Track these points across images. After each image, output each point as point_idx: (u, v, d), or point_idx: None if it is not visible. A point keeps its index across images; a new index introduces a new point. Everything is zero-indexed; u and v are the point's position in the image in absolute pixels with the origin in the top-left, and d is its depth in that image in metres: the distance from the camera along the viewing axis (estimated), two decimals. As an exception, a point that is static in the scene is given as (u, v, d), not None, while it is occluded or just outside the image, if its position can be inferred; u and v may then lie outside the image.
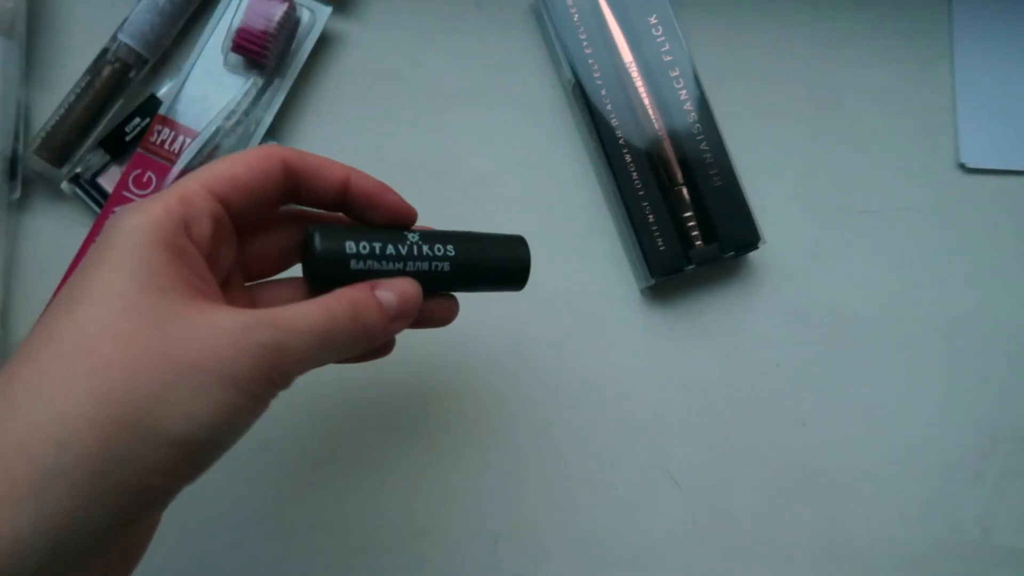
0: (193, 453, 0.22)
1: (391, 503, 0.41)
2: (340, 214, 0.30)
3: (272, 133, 0.42)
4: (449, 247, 0.29)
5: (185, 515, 0.39)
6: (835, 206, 0.45)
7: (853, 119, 0.46)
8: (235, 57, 0.41)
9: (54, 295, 0.39)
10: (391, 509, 0.41)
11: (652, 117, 0.42)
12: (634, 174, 0.42)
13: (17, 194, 0.39)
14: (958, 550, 0.43)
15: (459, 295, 0.32)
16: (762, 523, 0.43)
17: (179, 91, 0.41)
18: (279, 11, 0.40)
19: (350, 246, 0.27)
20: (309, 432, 0.41)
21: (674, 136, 0.42)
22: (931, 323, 0.45)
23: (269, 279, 0.30)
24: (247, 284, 0.30)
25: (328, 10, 0.42)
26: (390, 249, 0.28)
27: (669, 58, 0.43)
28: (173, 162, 0.40)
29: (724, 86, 0.45)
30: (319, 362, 0.25)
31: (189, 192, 0.24)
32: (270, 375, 0.23)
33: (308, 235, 0.27)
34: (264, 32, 0.40)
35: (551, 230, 0.44)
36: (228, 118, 0.41)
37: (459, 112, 0.44)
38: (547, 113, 0.45)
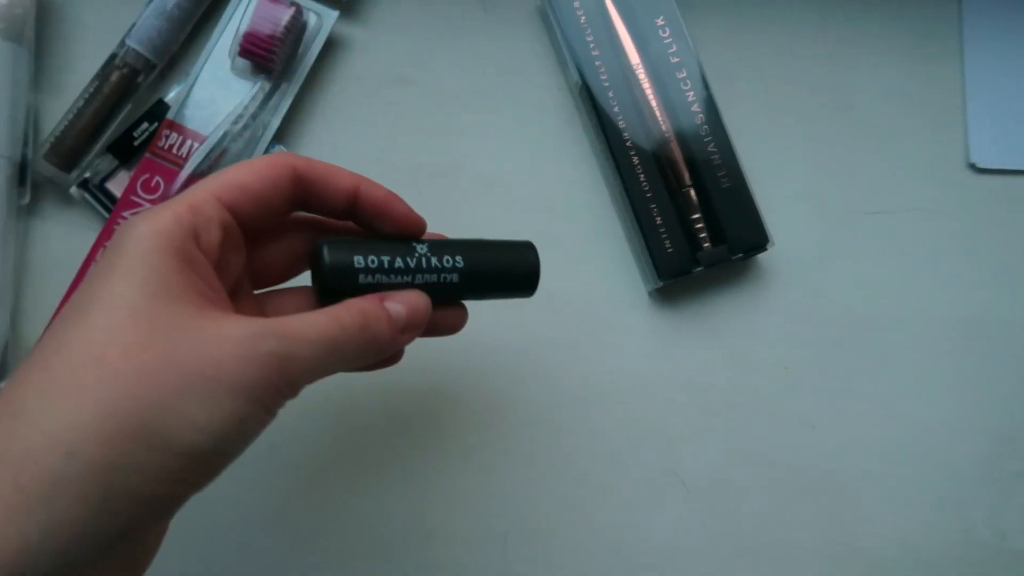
0: (201, 462, 0.22)
1: (400, 505, 0.41)
2: (349, 222, 0.30)
3: (279, 137, 0.42)
4: (458, 258, 0.29)
5: (195, 519, 0.39)
6: (844, 207, 0.45)
7: (862, 119, 0.46)
8: (242, 62, 0.41)
9: (63, 300, 0.40)
10: (400, 511, 0.41)
11: (659, 119, 0.42)
12: (641, 176, 0.42)
13: (26, 199, 0.40)
14: (970, 553, 0.43)
15: (468, 303, 0.32)
16: (771, 526, 0.43)
17: (187, 96, 0.41)
18: (286, 15, 0.40)
19: (358, 260, 0.27)
20: (318, 435, 0.41)
21: (681, 137, 0.42)
22: (941, 324, 0.45)
23: (278, 287, 0.31)
24: (256, 292, 0.30)
25: (335, 14, 0.42)
26: (399, 262, 0.28)
27: (676, 59, 0.43)
28: (181, 166, 0.40)
29: (732, 87, 0.44)
30: (327, 372, 0.25)
31: (198, 200, 0.24)
32: (278, 384, 0.23)
33: (317, 248, 0.27)
34: (271, 36, 0.40)
35: (558, 232, 0.44)
36: (236, 122, 0.41)
37: (466, 115, 0.44)
38: (554, 115, 0.45)
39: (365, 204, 0.28)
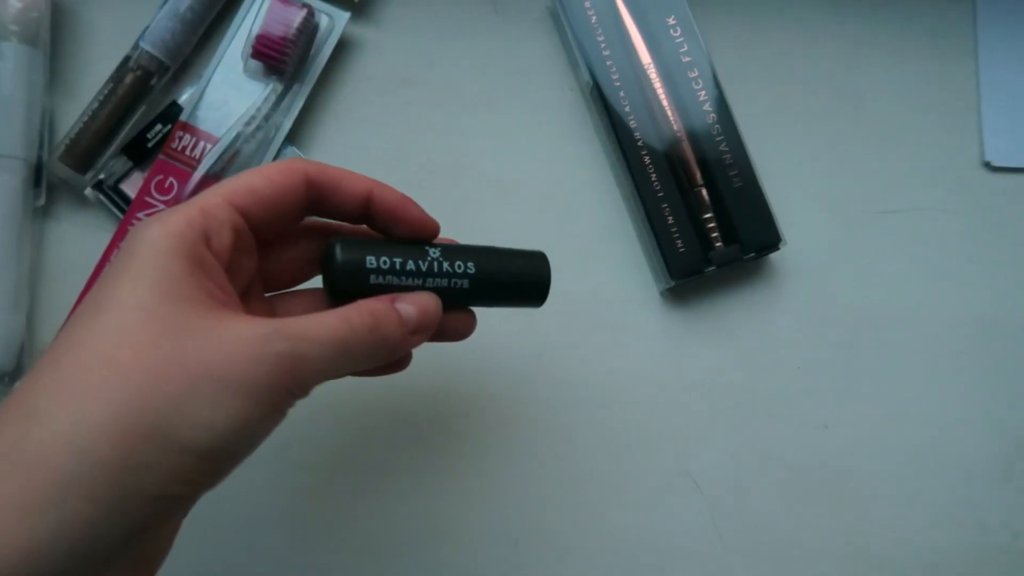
0: (211, 462, 0.22)
1: (412, 507, 0.41)
2: (363, 226, 0.30)
3: (291, 138, 0.42)
4: (469, 264, 0.29)
5: (206, 519, 0.40)
6: (857, 206, 0.45)
7: (875, 118, 0.46)
8: (255, 63, 0.41)
9: (78, 301, 0.40)
10: (412, 513, 0.41)
11: (671, 118, 0.42)
12: (653, 175, 0.42)
13: (42, 201, 0.40)
14: (985, 554, 0.43)
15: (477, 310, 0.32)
16: (784, 527, 0.42)
17: (200, 97, 0.41)
18: (298, 17, 0.40)
19: (371, 261, 0.27)
20: (330, 436, 0.42)
21: (693, 137, 0.42)
22: (956, 324, 0.44)
23: (289, 290, 0.31)
24: (267, 295, 0.30)
25: (346, 15, 0.42)
26: (410, 265, 0.28)
27: (688, 59, 0.42)
28: (194, 168, 0.40)
29: (743, 86, 0.44)
30: (337, 373, 0.25)
31: (210, 204, 0.25)
32: (287, 385, 0.23)
33: (329, 248, 0.27)
34: (283, 38, 0.40)
35: (569, 232, 0.44)
36: (248, 124, 0.41)
37: (477, 115, 0.44)
38: (565, 115, 0.45)
39: (379, 208, 0.28)
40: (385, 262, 0.27)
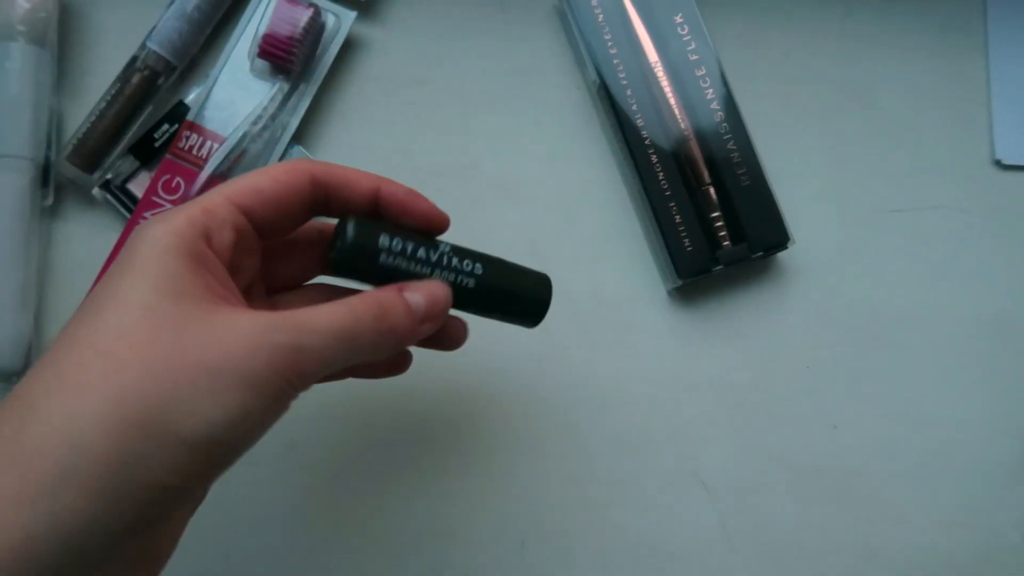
0: (209, 453, 0.22)
1: (417, 507, 0.41)
2: None
3: (298, 138, 0.42)
4: (477, 265, 0.29)
5: (213, 518, 0.40)
6: (866, 205, 0.45)
7: (885, 116, 0.45)
8: (261, 63, 0.41)
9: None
10: (417, 513, 0.41)
11: (678, 117, 0.42)
12: (660, 174, 0.42)
13: (50, 200, 0.40)
14: (997, 556, 0.42)
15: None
16: (792, 527, 0.42)
17: (207, 97, 0.41)
18: (304, 17, 0.40)
19: (383, 240, 0.27)
20: (336, 436, 0.42)
21: (701, 136, 0.42)
22: (966, 323, 0.44)
23: (292, 291, 0.31)
24: (270, 296, 0.30)
25: (352, 15, 0.42)
26: (421, 252, 0.28)
27: (695, 57, 0.42)
28: (201, 167, 0.41)
29: (751, 84, 0.44)
30: (341, 363, 0.24)
31: (212, 203, 0.25)
32: (287, 375, 0.22)
33: (341, 222, 0.27)
34: (290, 38, 0.40)
35: (576, 232, 0.44)
36: (255, 123, 0.41)
37: (484, 114, 0.44)
38: (572, 114, 0.45)
39: (387, 204, 0.28)
40: (397, 244, 0.27)
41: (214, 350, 0.22)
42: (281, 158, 0.42)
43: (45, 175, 0.40)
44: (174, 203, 0.41)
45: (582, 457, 0.42)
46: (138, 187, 0.41)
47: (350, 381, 0.33)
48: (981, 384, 0.44)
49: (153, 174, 0.41)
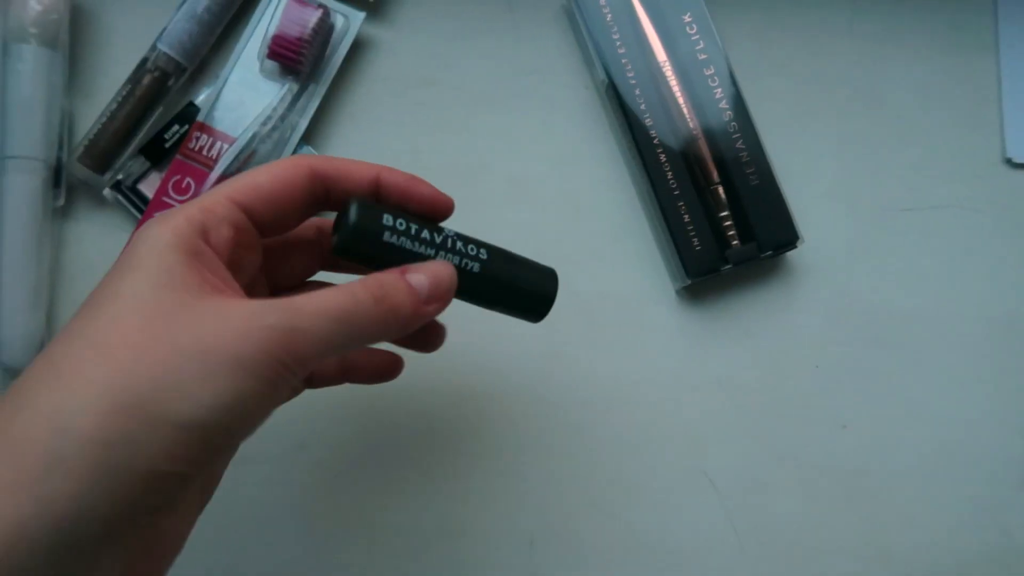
0: (201, 437, 0.21)
1: (427, 506, 0.41)
2: None
3: (307, 138, 0.43)
4: (482, 251, 0.29)
5: (222, 516, 0.40)
6: (876, 204, 0.45)
7: (894, 115, 0.45)
8: (271, 64, 0.41)
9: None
10: (427, 512, 0.41)
11: (687, 116, 0.42)
12: (669, 174, 0.42)
13: (61, 201, 0.40)
14: (1007, 557, 0.42)
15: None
16: (802, 527, 0.42)
17: (216, 98, 0.42)
18: (314, 17, 0.40)
19: (387, 219, 0.27)
20: (345, 435, 0.42)
21: (709, 135, 0.42)
22: (977, 323, 0.44)
23: (296, 288, 0.31)
24: (274, 295, 0.30)
25: (361, 15, 0.43)
26: (425, 234, 0.27)
27: (704, 56, 0.42)
28: (211, 168, 0.41)
29: (760, 83, 0.44)
30: (342, 345, 0.24)
31: (210, 202, 0.25)
32: (281, 358, 0.22)
33: (345, 205, 0.27)
34: (299, 39, 0.40)
35: (585, 231, 0.44)
36: (264, 124, 0.41)
37: (492, 115, 0.44)
38: (580, 114, 0.45)
39: (389, 191, 0.28)
40: (401, 224, 0.27)
41: (205, 334, 0.21)
42: (290, 158, 0.42)
43: (57, 176, 0.40)
44: (184, 203, 0.41)
45: (590, 456, 0.42)
46: (149, 188, 0.41)
47: (356, 383, 0.33)
48: (991, 384, 0.43)
49: (163, 175, 0.41)
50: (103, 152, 0.40)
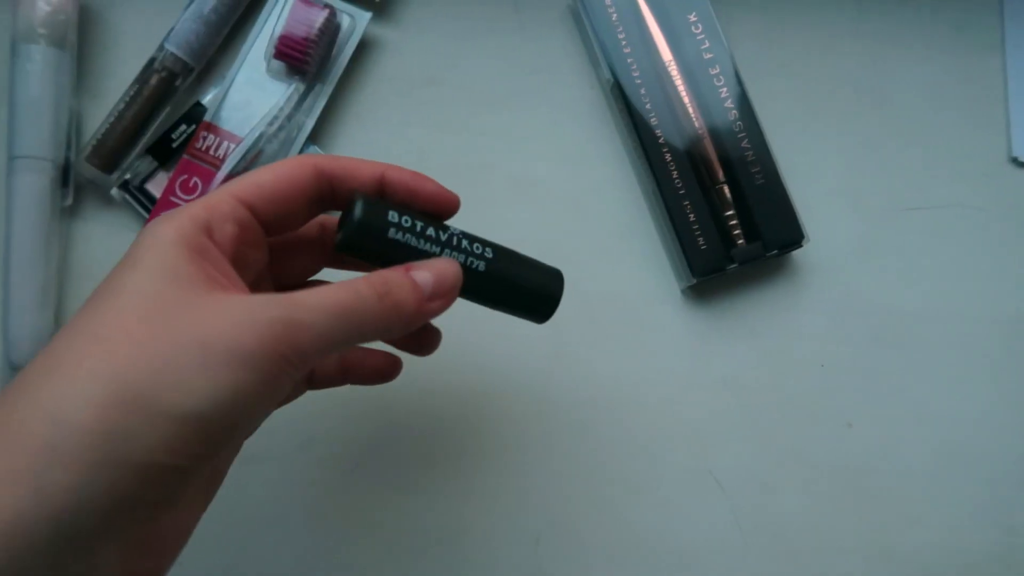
0: (200, 430, 0.21)
1: (432, 505, 0.41)
2: None
3: (313, 138, 0.43)
4: (488, 250, 0.29)
5: (227, 513, 0.40)
6: (882, 203, 0.44)
7: (900, 114, 0.45)
8: (277, 64, 0.41)
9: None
10: (432, 511, 0.41)
11: (692, 116, 0.42)
12: (674, 173, 0.42)
13: (69, 201, 0.41)
14: (1013, 556, 0.42)
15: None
16: (808, 526, 0.42)
17: (223, 98, 0.42)
18: (320, 18, 0.40)
19: (392, 215, 0.27)
20: (349, 433, 0.42)
21: (715, 134, 0.42)
22: (982, 322, 0.44)
23: (301, 286, 0.31)
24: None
25: (367, 16, 0.43)
26: (431, 231, 0.27)
27: (709, 56, 0.42)
28: (218, 167, 0.41)
29: (766, 83, 0.44)
30: (343, 341, 0.24)
31: (214, 199, 0.25)
32: (281, 351, 0.22)
33: (351, 201, 0.27)
34: (305, 39, 0.40)
35: (591, 231, 0.44)
36: (271, 123, 0.41)
37: (498, 114, 0.44)
38: (586, 114, 0.45)
39: (394, 189, 0.28)
40: (407, 220, 0.27)
41: (205, 327, 0.21)
42: (297, 158, 0.42)
43: (65, 176, 0.40)
44: (189, 202, 0.41)
45: (596, 455, 0.42)
46: (156, 187, 0.42)
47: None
48: (997, 383, 0.43)
49: (171, 174, 0.41)
50: (111, 152, 0.41)
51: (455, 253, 0.28)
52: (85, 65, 0.42)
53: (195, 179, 0.41)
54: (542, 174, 0.44)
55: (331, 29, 0.41)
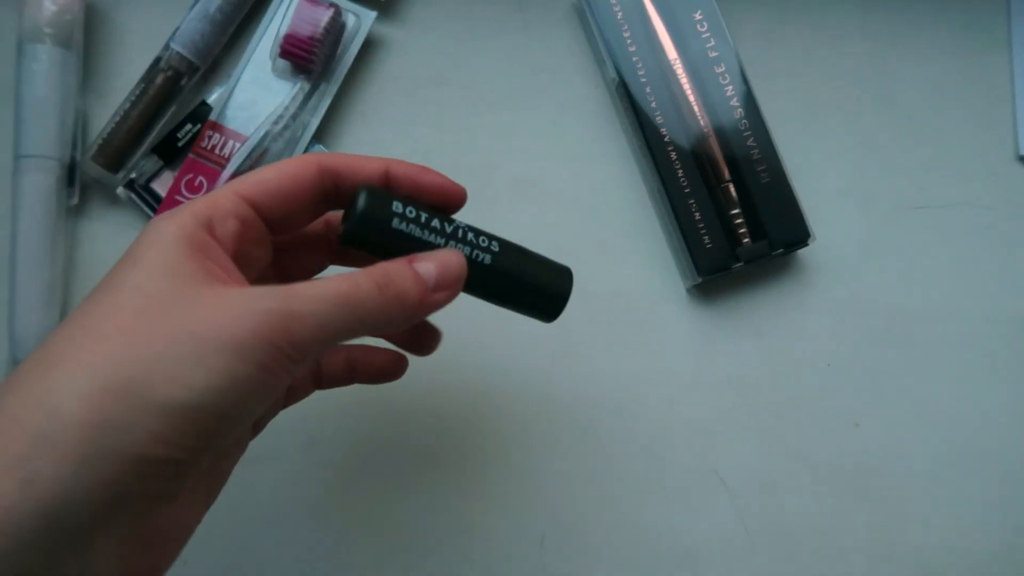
0: (193, 421, 0.21)
1: (437, 504, 0.41)
2: None
3: (319, 137, 0.43)
4: (495, 243, 0.28)
5: (232, 512, 0.40)
6: (888, 202, 0.44)
7: (906, 113, 0.45)
8: (283, 63, 0.41)
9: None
10: (437, 510, 0.41)
11: (698, 114, 0.42)
12: (680, 172, 0.42)
13: (75, 200, 0.41)
14: (1020, 556, 0.42)
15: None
16: (813, 526, 0.42)
17: (229, 97, 0.42)
18: (325, 17, 0.40)
19: (397, 206, 0.26)
20: (355, 433, 0.42)
21: (720, 133, 0.42)
22: (990, 321, 0.44)
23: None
24: None
25: (373, 15, 0.43)
26: (435, 222, 0.27)
27: (715, 54, 0.42)
28: (223, 166, 0.41)
29: (772, 82, 0.44)
30: (343, 332, 0.24)
31: (216, 196, 0.25)
32: (275, 342, 0.22)
33: (355, 193, 0.26)
34: (311, 38, 0.40)
35: (596, 230, 0.44)
36: (276, 123, 0.41)
37: (503, 113, 0.44)
38: (591, 113, 0.45)
39: (399, 183, 0.28)
40: (411, 211, 0.26)
41: (199, 318, 0.21)
42: (302, 157, 0.42)
43: (71, 175, 0.40)
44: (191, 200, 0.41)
45: (601, 455, 0.42)
46: (161, 186, 0.42)
47: (367, 379, 0.33)
48: (1005, 382, 0.43)
49: (176, 173, 0.41)
50: (116, 151, 0.41)
51: (460, 245, 0.27)
52: (91, 65, 0.42)
53: (200, 178, 0.41)
54: (547, 173, 0.44)
55: (336, 28, 0.41)
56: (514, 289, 0.29)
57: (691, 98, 0.42)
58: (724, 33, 0.42)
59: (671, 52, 0.42)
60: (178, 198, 0.41)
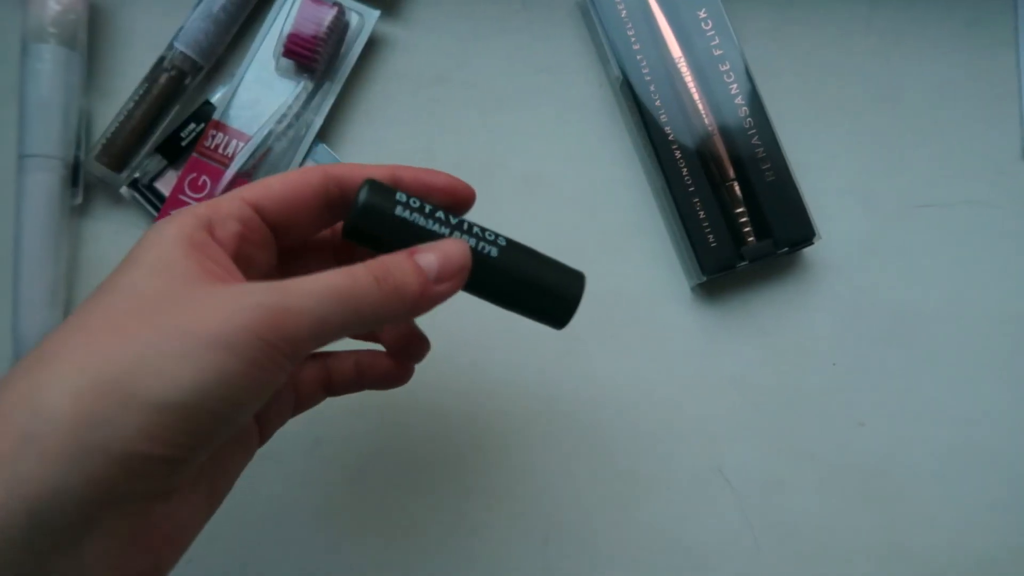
0: (181, 418, 0.20)
1: (441, 504, 0.41)
2: None
3: (322, 136, 0.43)
4: (502, 238, 0.27)
5: (237, 512, 0.40)
6: (894, 200, 0.44)
7: (912, 111, 0.45)
8: (286, 62, 0.41)
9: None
10: (441, 510, 0.41)
11: (702, 113, 0.42)
12: (684, 170, 0.41)
13: (79, 199, 0.41)
14: (1028, 556, 0.42)
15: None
16: (819, 526, 0.42)
17: (232, 97, 0.42)
18: (329, 16, 0.40)
19: (400, 195, 0.26)
20: (361, 432, 0.42)
21: (725, 131, 0.42)
22: (996, 320, 0.43)
23: None
24: None
25: (376, 14, 0.43)
26: (440, 213, 0.26)
27: (719, 52, 0.42)
28: (227, 166, 0.41)
29: (776, 80, 0.44)
30: (339, 327, 0.23)
31: (219, 199, 0.25)
32: (267, 337, 0.21)
33: (358, 189, 0.26)
34: (314, 37, 0.40)
35: (600, 228, 0.43)
36: (280, 122, 0.41)
37: (507, 112, 0.44)
38: (595, 111, 0.44)
39: (406, 183, 0.28)
40: (415, 201, 0.26)
41: (189, 315, 0.21)
42: (306, 156, 0.42)
43: (75, 174, 0.40)
44: (200, 201, 0.41)
45: (605, 454, 0.42)
46: (165, 186, 0.42)
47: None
48: (1010, 381, 0.43)
49: (180, 173, 0.41)
50: (120, 150, 0.41)
51: (465, 236, 0.27)
52: (95, 64, 0.43)
53: (204, 177, 0.41)
54: (551, 172, 0.44)
55: (340, 27, 0.41)
56: (521, 289, 0.28)
57: (695, 97, 0.42)
58: (728, 31, 0.42)
59: (675, 50, 0.42)
60: (182, 197, 0.41)
